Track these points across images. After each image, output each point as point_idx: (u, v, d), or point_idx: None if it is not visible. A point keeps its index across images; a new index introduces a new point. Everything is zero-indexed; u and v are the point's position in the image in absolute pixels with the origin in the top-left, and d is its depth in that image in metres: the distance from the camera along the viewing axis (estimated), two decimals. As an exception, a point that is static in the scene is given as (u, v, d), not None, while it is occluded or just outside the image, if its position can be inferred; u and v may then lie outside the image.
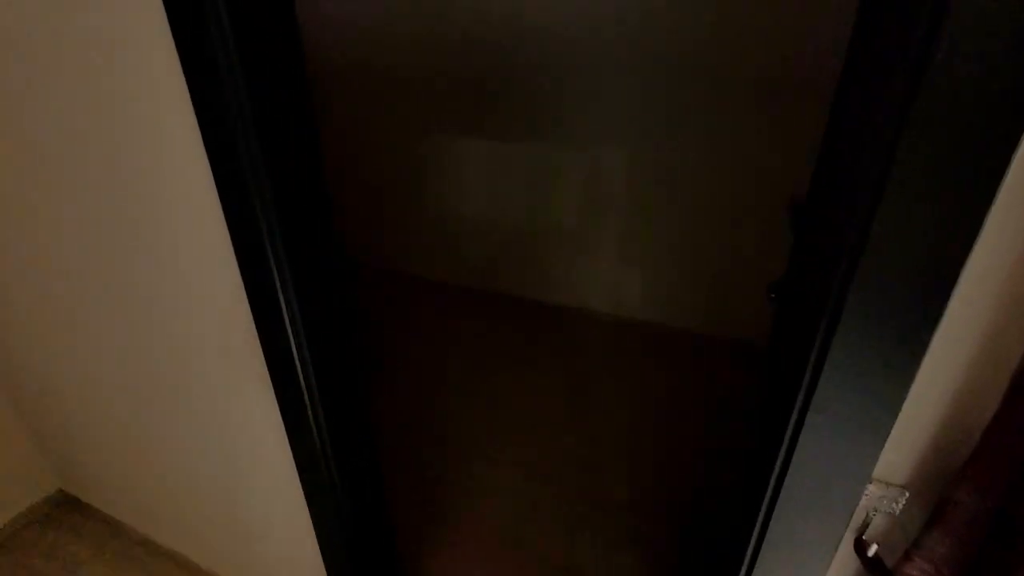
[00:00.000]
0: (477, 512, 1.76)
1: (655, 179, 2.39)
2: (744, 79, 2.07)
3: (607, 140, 2.40)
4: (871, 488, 0.64)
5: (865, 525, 0.68)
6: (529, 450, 1.98)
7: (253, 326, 0.98)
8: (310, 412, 1.06)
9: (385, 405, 2.20)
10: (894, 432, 0.60)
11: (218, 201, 0.85)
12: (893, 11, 0.53)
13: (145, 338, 1.16)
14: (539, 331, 2.68)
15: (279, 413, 1.08)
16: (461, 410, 2.18)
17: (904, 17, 0.48)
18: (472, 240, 2.91)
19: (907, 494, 0.64)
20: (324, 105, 2.83)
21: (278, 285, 0.91)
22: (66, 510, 1.80)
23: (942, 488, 0.60)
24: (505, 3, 2.30)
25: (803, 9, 1.90)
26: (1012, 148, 0.45)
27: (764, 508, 0.72)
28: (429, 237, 3.01)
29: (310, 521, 1.22)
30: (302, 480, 1.16)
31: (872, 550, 0.67)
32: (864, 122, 0.57)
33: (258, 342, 1.00)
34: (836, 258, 0.55)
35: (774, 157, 2.15)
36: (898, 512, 0.65)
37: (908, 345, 0.54)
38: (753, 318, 2.41)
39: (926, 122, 0.47)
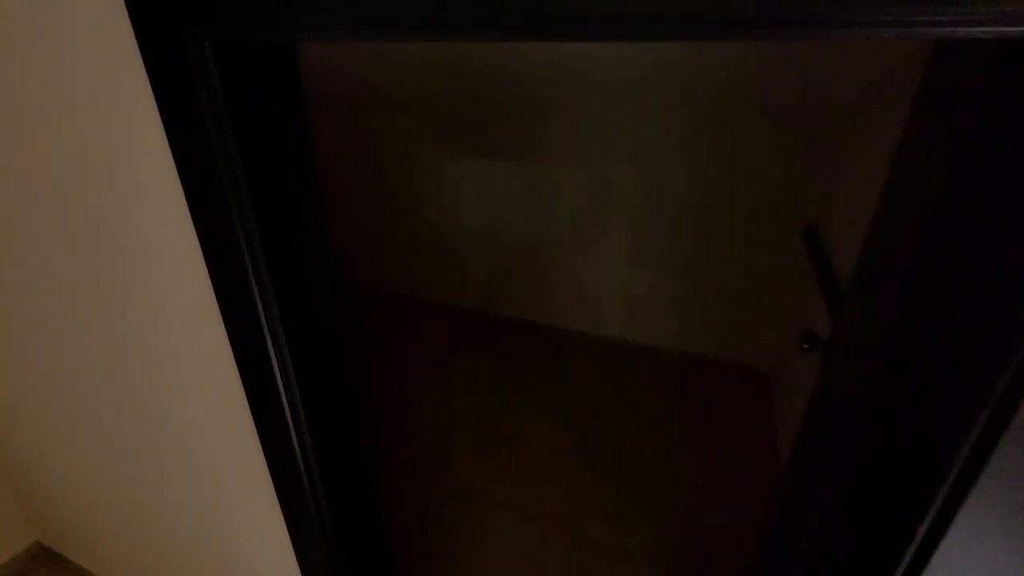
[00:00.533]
0: (475, 558, 1.66)
1: (663, 200, 2.31)
2: (761, 107, 1.99)
3: (614, 161, 2.31)
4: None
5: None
6: (533, 489, 1.88)
7: (243, 393, 0.88)
8: (306, 481, 0.96)
9: (377, 439, 2.10)
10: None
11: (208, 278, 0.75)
12: None
13: (134, 404, 1.06)
14: (543, 356, 2.59)
15: (271, 482, 0.98)
16: (460, 444, 2.08)
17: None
18: (474, 262, 2.81)
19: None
20: (322, 125, 2.72)
21: (268, 340, 0.81)
22: (44, 563, 1.68)
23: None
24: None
25: (820, 43, 1.81)
26: None
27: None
28: (429, 258, 2.91)
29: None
30: (293, 540, 1.06)
31: None
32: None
33: (250, 417, 0.90)
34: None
35: (787, 182, 2.07)
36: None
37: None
38: (765, 344, 2.34)
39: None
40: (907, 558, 0.49)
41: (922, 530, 0.47)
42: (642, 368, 2.50)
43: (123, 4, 0.60)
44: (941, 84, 0.72)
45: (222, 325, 0.82)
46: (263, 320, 0.79)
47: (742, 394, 2.31)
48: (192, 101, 0.62)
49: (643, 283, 2.51)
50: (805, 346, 1.23)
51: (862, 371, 0.85)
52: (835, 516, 0.77)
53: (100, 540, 1.52)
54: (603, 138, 2.28)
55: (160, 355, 0.94)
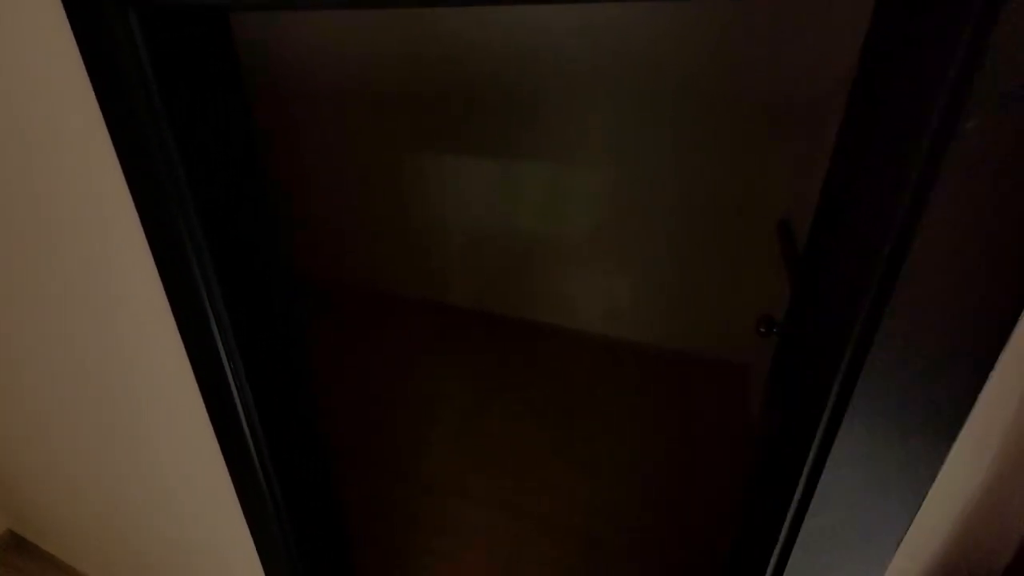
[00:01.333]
0: (456, 557, 1.66)
1: (642, 197, 2.32)
2: (735, 102, 2.00)
3: (594, 159, 2.32)
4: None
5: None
6: (510, 484, 1.89)
7: (197, 387, 0.89)
8: (262, 480, 0.97)
9: (352, 436, 2.10)
10: (909, 536, 0.52)
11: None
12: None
13: (103, 406, 1.06)
14: (524, 352, 2.59)
15: (230, 481, 0.99)
16: (437, 440, 2.08)
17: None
18: (456, 259, 2.82)
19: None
20: (303, 123, 2.73)
21: (221, 348, 0.82)
22: (14, 551, 1.68)
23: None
24: (494, 22, 2.22)
25: (794, 37, 1.83)
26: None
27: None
28: (412, 255, 2.91)
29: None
30: (253, 532, 1.07)
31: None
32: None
33: (206, 415, 0.91)
34: (849, 321, 0.47)
35: (764, 177, 2.09)
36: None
37: (932, 432, 0.45)
38: (743, 338, 2.35)
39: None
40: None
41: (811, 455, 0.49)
42: (622, 364, 2.51)
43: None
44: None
45: (172, 320, 0.83)
46: (211, 315, 0.80)
47: (722, 388, 2.32)
48: (120, 75, 0.63)
49: (623, 279, 2.52)
50: (762, 330, 1.24)
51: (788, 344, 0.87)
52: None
53: (74, 531, 1.52)
54: (583, 137, 2.29)
55: (111, 352, 0.94)
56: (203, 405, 0.92)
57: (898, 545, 0.50)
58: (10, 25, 0.67)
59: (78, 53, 0.65)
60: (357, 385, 2.37)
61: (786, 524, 0.55)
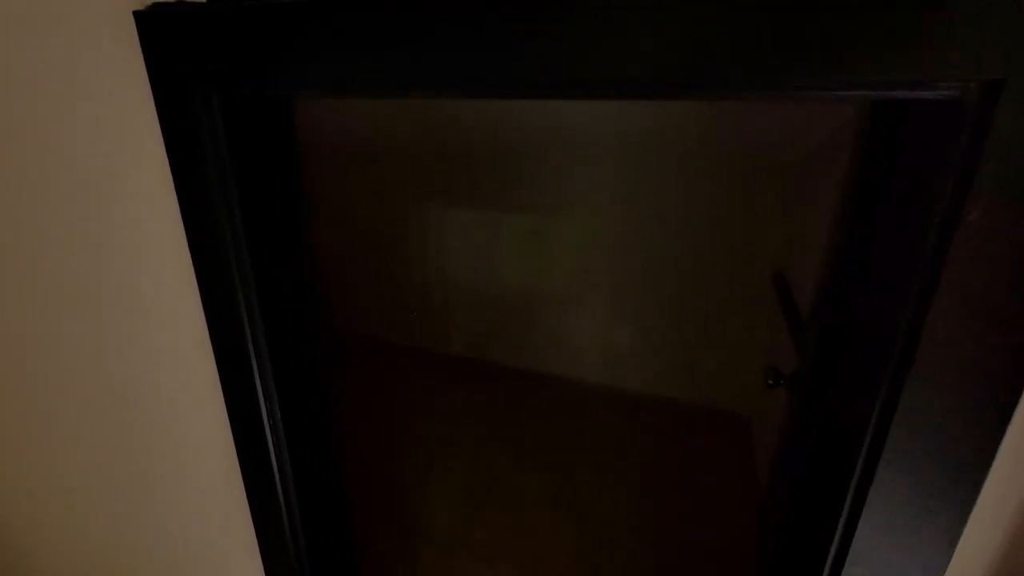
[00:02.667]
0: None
1: (642, 249, 2.41)
2: (729, 158, 2.12)
3: (595, 212, 2.42)
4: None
5: None
6: (510, 536, 1.87)
7: (230, 432, 0.91)
8: (286, 523, 0.98)
9: (358, 488, 2.08)
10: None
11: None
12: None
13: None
14: (525, 403, 2.61)
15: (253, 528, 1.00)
16: (438, 491, 2.07)
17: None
18: (459, 309, 2.86)
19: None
20: (310, 175, 2.81)
21: (258, 384, 0.85)
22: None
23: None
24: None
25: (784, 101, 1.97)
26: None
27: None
28: (415, 306, 2.96)
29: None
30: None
31: None
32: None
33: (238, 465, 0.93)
34: (875, 379, 0.52)
35: (758, 231, 2.18)
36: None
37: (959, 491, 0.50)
38: (743, 389, 2.39)
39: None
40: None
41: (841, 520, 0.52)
42: (623, 414, 2.53)
43: (142, 59, 0.67)
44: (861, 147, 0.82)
45: (213, 362, 0.86)
46: (253, 359, 0.83)
47: (724, 439, 2.34)
48: (198, 147, 0.69)
49: (622, 329, 2.57)
50: (770, 382, 1.29)
51: (808, 400, 0.92)
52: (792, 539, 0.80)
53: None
54: (584, 190, 2.39)
55: (150, 387, 0.97)
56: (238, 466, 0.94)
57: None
58: (97, 97, 0.74)
59: (157, 124, 0.71)
60: (359, 435, 2.36)
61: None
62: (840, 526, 0.53)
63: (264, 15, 0.59)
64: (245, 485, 0.97)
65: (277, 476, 0.94)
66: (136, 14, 0.64)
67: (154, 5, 0.64)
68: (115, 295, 0.90)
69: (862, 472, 0.51)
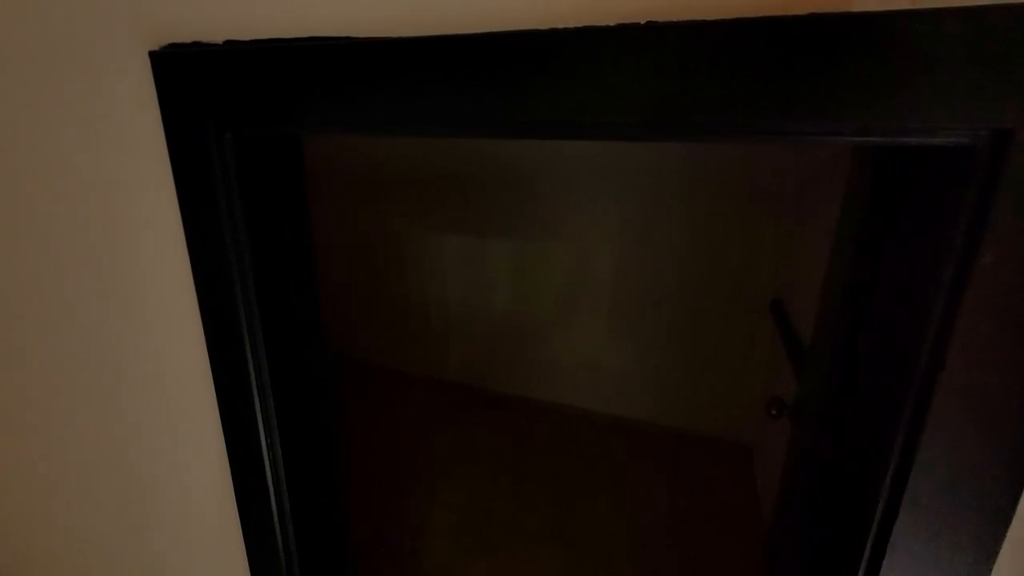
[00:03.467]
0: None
1: (638, 276, 2.42)
2: (727, 185, 2.15)
3: (591, 238, 2.43)
4: None
5: None
6: (508, 568, 1.84)
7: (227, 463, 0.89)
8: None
9: (355, 519, 2.04)
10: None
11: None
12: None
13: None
14: (529, 432, 2.58)
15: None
16: (436, 521, 2.03)
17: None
18: (456, 336, 2.86)
19: None
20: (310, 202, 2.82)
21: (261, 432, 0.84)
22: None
23: None
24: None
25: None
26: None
27: None
28: (411, 332, 2.95)
29: None
30: None
31: None
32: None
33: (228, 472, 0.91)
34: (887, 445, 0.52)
35: (756, 257, 2.20)
36: None
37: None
38: (743, 417, 2.38)
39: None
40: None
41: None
42: (621, 443, 2.51)
43: (155, 98, 0.68)
44: (855, 177, 0.83)
45: (214, 399, 0.85)
46: (255, 395, 0.82)
47: (724, 468, 2.32)
48: (209, 183, 0.69)
49: (621, 357, 2.57)
50: (773, 412, 1.29)
51: (811, 434, 0.91)
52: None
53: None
54: (580, 216, 2.41)
55: (149, 413, 0.95)
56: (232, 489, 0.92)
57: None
58: (108, 134, 0.74)
59: (167, 160, 0.71)
60: (354, 465, 2.33)
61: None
62: (862, 572, 0.52)
63: (280, 56, 0.60)
64: (241, 519, 0.95)
65: (275, 509, 0.92)
66: (152, 54, 0.65)
67: (170, 46, 0.65)
68: (118, 321, 0.89)
69: (883, 516, 0.50)
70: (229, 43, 0.63)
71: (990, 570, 0.48)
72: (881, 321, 0.60)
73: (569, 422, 2.63)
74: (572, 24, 0.50)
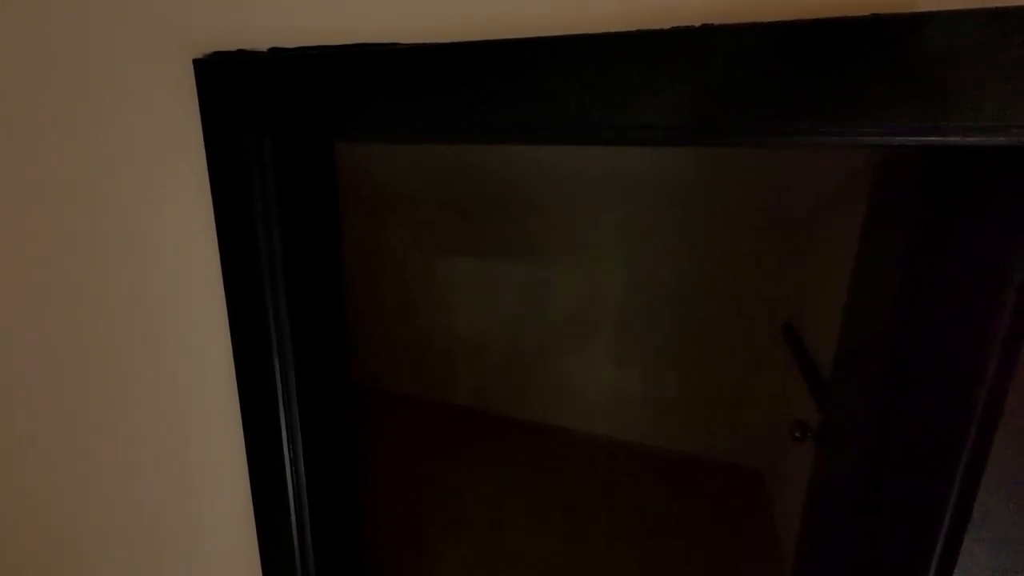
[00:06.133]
0: None
1: (649, 300, 2.41)
2: (736, 205, 2.16)
3: (601, 261, 2.44)
4: None
5: None
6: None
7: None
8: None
9: (369, 549, 1.98)
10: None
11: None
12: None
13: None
14: (538, 456, 2.54)
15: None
16: (452, 558, 1.98)
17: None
18: (464, 360, 2.83)
19: None
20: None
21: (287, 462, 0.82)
22: None
23: None
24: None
25: (793, 153, 2.03)
26: None
27: None
28: (420, 356, 2.92)
29: None
30: None
31: None
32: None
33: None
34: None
35: (765, 281, 2.20)
36: None
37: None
38: (755, 442, 2.34)
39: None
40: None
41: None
42: (631, 468, 2.46)
43: (196, 105, 0.68)
44: (887, 195, 0.83)
45: (238, 410, 0.83)
46: (281, 408, 0.81)
47: (736, 493, 2.27)
48: (246, 193, 0.69)
49: (631, 382, 2.54)
50: (797, 435, 1.27)
51: (849, 459, 0.89)
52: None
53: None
54: (589, 239, 2.42)
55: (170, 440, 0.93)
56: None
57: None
58: (146, 141, 0.74)
59: (204, 167, 0.71)
60: (367, 490, 2.27)
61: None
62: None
63: (326, 62, 0.61)
64: (259, 536, 0.92)
65: (295, 526, 0.89)
66: (196, 62, 0.65)
67: (215, 54, 0.65)
68: (146, 327, 0.87)
69: (945, 546, 0.48)
70: (274, 50, 0.63)
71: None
72: (931, 348, 0.59)
73: (580, 446, 2.59)
74: (623, 28, 0.50)
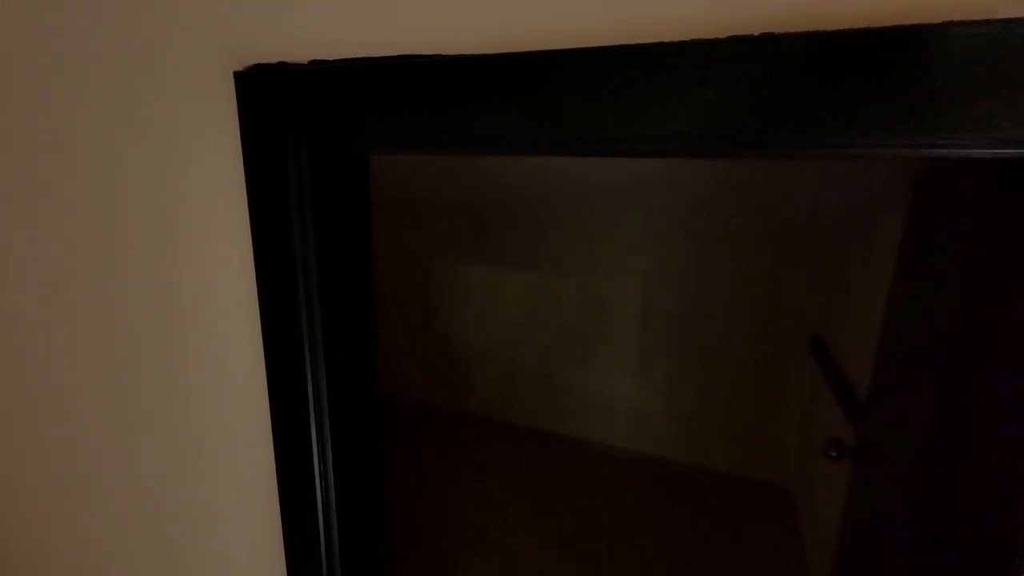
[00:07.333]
0: None
1: (671, 311, 2.38)
2: (760, 216, 2.13)
3: (622, 272, 2.41)
4: None
5: None
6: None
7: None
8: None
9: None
10: None
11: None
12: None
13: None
14: (557, 470, 2.51)
15: None
16: (465, 565, 1.95)
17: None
18: (481, 370, 2.82)
19: None
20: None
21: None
22: None
23: None
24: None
25: (817, 164, 1.99)
26: None
27: None
28: (436, 366, 2.91)
29: None
30: None
31: None
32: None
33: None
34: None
35: (793, 294, 2.16)
36: None
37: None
38: (781, 459, 2.29)
39: None
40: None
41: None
42: (653, 483, 2.42)
43: (235, 117, 0.68)
44: (935, 205, 0.80)
45: (268, 419, 0.83)
46: (312, 417, 0.80)
47: (762, 511, 2.22)
48: (283, 205, 0.69)
49: (653, 394, 2.50)
50: (833, 453, 1.23)
51: (901, 484, 0.85)
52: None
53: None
54: (610, 250, 2.40)
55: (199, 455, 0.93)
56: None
57: None
58: (184, 154, 0.75)
59: (242, 179, 0.71)
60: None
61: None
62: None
63: (367, 74, 0.60)
64: (285, 545, 0.91)
65: (323, 537, 0.88)
66: (237, 74, 0.65)
67: (255, 66, 0.65)
68: (179, 334, 0.88)
69: None
70: (315, 62, 0.63)
71: None
72: (1004, 365, 0.56)
73: (601, 461, 2.55)
74: (678, 38, 0.49)
